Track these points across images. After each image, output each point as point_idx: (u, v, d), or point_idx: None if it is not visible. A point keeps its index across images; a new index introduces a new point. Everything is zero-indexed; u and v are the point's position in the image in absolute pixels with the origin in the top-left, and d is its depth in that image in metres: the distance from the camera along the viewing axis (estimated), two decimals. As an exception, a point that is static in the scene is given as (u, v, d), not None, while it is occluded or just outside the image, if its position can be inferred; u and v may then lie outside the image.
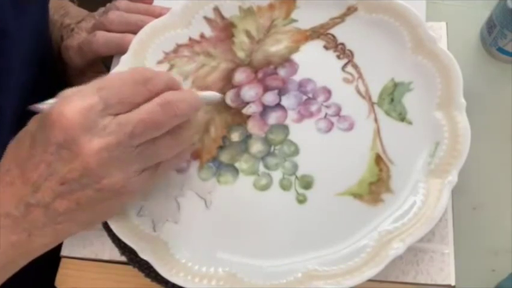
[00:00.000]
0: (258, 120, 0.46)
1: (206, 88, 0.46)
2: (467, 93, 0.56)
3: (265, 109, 0.46)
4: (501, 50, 0.56)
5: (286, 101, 0.46)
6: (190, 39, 0.48)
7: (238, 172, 0.44)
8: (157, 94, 0.36)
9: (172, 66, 0.48)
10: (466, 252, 0.45)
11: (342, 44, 0.47)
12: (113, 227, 0.41)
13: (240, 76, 0.47)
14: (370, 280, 0.39)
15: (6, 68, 0.44)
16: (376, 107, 0.45)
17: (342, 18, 0.48)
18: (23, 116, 0.46)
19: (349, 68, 0.47)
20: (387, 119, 0.45)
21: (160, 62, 0.48)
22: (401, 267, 0.42)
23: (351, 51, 0.47)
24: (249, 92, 0.47)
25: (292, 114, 0.46)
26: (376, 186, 0.43)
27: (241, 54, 0.48)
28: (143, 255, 0.41)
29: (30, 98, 0.47)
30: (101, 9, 0.54)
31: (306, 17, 0.48)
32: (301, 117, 0.46)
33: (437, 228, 0.43)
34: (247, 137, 0.45)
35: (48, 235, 0.36)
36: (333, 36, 0.48)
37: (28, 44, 0.47)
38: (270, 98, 0.46)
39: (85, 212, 0.36)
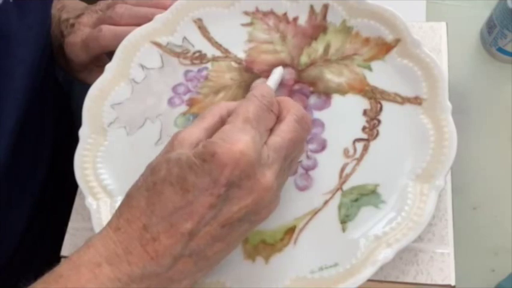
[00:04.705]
0: None
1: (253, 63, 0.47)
2: (467, 93, 0.57)
3: None
4: (501, 50, 0.56)
5: None
6: (284, 15, 0.48)
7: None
8: (276, 114, 0.37)
9: (251, 24, 0.49)
10: (466, 252, 0.45)
11: (379, 121, 0.44)
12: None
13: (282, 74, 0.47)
14: (370, 280, 0.39)
15: (11, 71, 0.44)
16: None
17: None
18: (25, 120, 0.46)
19: (359, 145, 0.44)
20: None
21: (246, 14, 0.49)
22: (401, 267, 0.42)
23: (378, 133, 0.44)
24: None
25: None
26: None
27: (303, 59, 0.47)
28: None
29: (32, 101, 0.47)
30: (102, 3, 0.53)
31: (378, 76, 0.46)
32: None
33: (437, 228, 0.43)
34: None
35: (183, 284, 0.34)
36: (381, 109, 0.45)
37: (32, 46, 0.47)
38: None
39: (229, 250, 0.35)
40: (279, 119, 0.37)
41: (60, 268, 0.32)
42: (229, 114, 0.36)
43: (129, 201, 0.34)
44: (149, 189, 0.33)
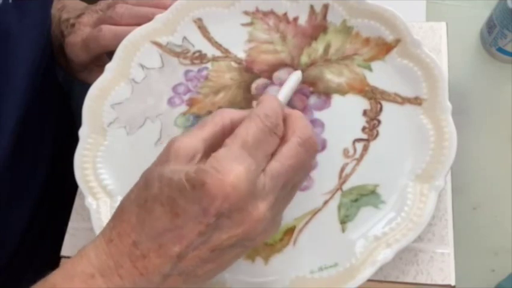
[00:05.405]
0: None
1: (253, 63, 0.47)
2: (467, 93, 0.56)
3: None
4: (501, 50, 0.56)
5: None
6: (285, 15, 0.48)
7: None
8: (279, 136, 0.34)
9: (251, 24, 0.49)
10: (466, 252, 0.45)
11: (379, 121, 0.44)
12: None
13: (282, 74, 0.46)
14: (370, 280, 0.39)
15: (11, 71, 0.44)
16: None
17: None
18: (25, 120, 0.46)
19: (359, 145, 0.44)
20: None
21: (246, 13, 0.49)
22: (401, 267, 0.42)
23: (378, 133, 0.44)
24: (274, 93, 0.45)
25: None
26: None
27: (303, 59, 0.47)
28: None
29: (32, 101, 0.47)
30: (103, 3, 0.53)
31: (378, 76, 0.45)
32: None
33: (437, 228, 0.43)
34: None
35: None
36: (381, 109, 0.45)
37: (32, 46, 0.47)
38: None
39: (222, 269, 0.34)
40: (283, 139, 0.34)
41: (54, 277, 0.32)
42: (233, 124, 0.34)
43: (121, 214, 0.33)
44: (140, 205, 0.32)
